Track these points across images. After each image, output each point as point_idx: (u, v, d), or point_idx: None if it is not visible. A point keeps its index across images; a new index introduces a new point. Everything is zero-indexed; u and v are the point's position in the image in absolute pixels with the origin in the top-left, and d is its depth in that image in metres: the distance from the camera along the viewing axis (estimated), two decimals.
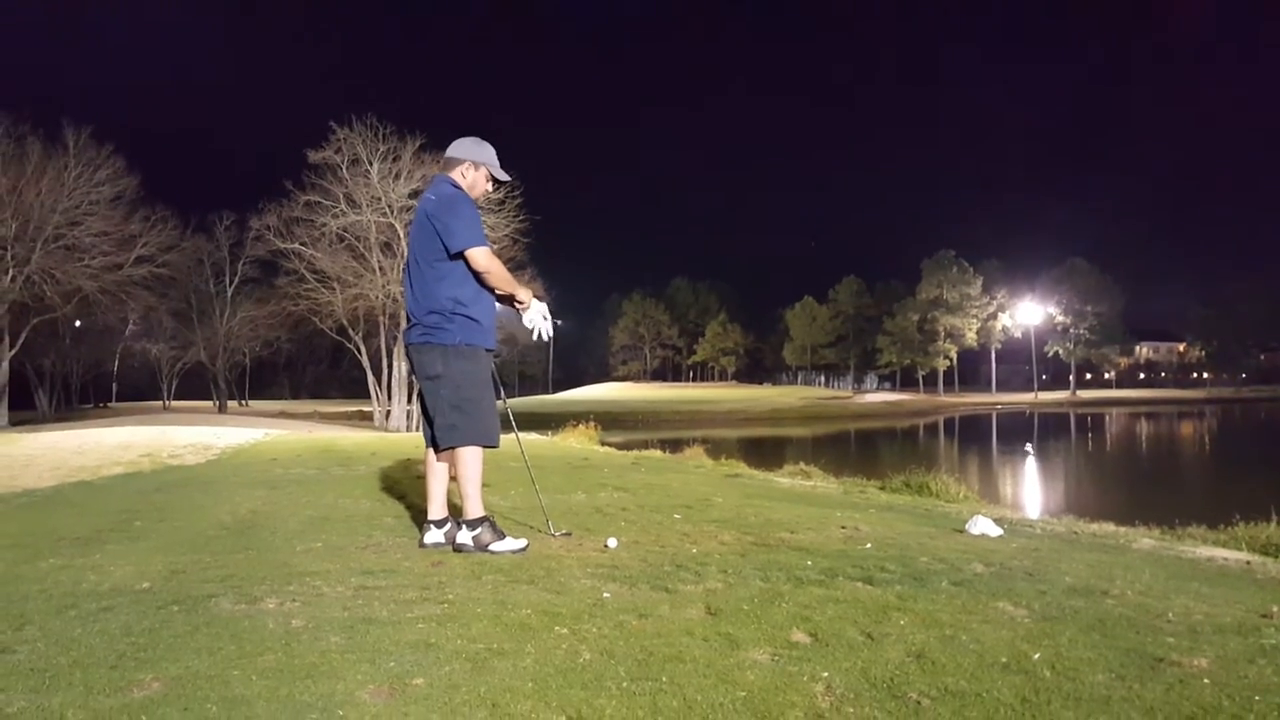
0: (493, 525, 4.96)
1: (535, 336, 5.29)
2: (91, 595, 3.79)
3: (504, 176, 5.33)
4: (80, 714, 2.42)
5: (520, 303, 5.21)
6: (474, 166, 5.20)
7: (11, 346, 40.67)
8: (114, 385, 79.50)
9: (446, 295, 4.94)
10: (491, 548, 4.83)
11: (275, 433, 20.89)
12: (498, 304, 5.24)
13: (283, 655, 2.94)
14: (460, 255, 4.94)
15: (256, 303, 60.48)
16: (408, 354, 5.27)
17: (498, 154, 5.30)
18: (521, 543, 4.92)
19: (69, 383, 69.21)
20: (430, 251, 4.98)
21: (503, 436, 5.19)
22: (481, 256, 4.96)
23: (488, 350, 5.12)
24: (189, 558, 4.71)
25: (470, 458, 4.96)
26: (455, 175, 5.15)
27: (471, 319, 4.98)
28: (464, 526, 4.91)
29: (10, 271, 38.01)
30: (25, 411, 53.03)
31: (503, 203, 34.95)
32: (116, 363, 72.47)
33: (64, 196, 39.50)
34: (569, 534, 5.42)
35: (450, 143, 5.29)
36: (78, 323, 55.07)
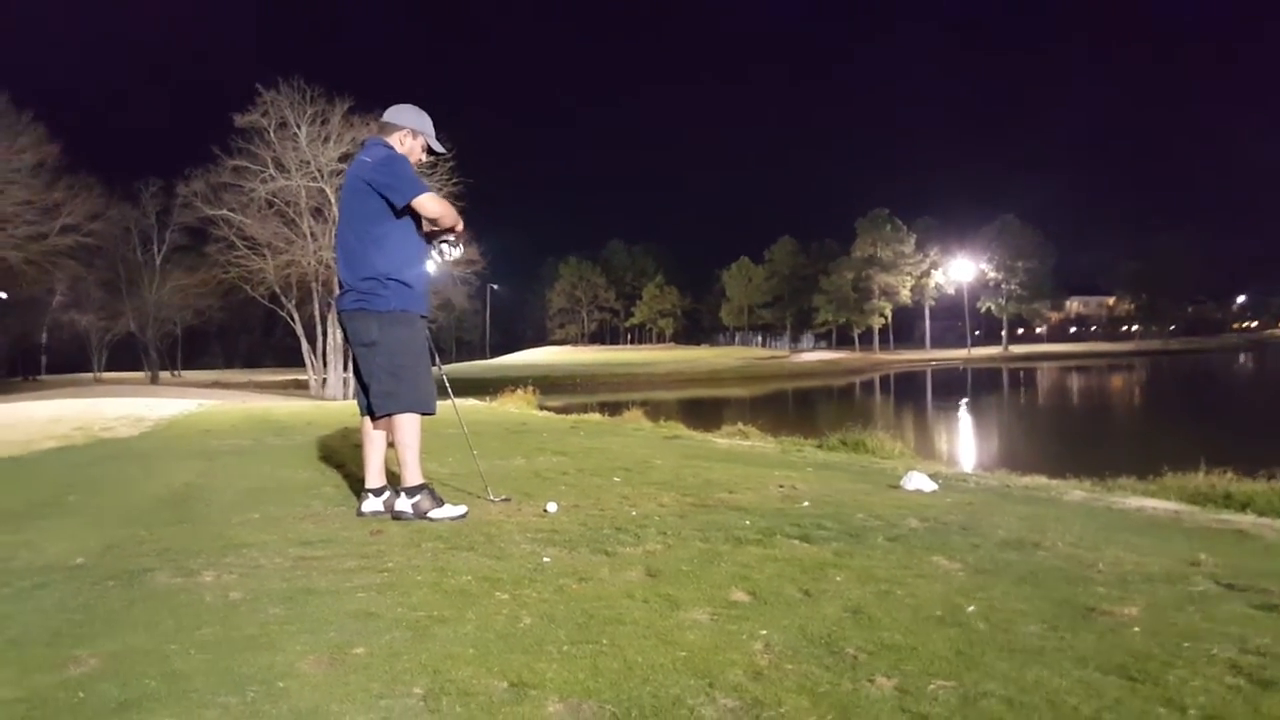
0: (431, 492, 4.96)
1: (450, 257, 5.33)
2: (25, 572, 3.73)
3: (440, 148, 5.31)
4: (16, 692, 2.40)
5: (459, 233, 5.22)
6: (412, 134, 5.17)
7: None
8: (43, 357, 77.83)
9: (381, 261, 4.91)
10: (430, 515, 4.83)
11: (209, 403, 20.61)
12: (446, 244, 5.24)
13: (221, 628, 2.92)
14: (407, 210, 4.92)
15: (186, 271, 59.47)
16: (341, 321, 5.23)
17: (434, 124, 5.28)
18: (461, 509, 4.92)
19: None
20: (364, 216, 4.95)
21: (439, 403, 5.18)
22: (430, 202, 4.98)
23: (423, 316, 5.10)
24: (124, 532, 4.65)
25: (408, 425, 4.95)
26: (393, 141, 5.12)
27: (406, 285, 4.95)
28: (403, 494, 4.91)
29: None
30: None
31: (434, 166, 34.53)
32: (45, 335, 70.97)
33: None
34: (508, 499, 5.43)
35: (384, 108, 5.25)
36: (3, 294, 53.81)
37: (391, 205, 4.90)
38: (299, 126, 35.71)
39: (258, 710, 2.28)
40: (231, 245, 38.40)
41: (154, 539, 4.43)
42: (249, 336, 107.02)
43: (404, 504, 4.89)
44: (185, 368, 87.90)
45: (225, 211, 37.56)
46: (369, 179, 4.91)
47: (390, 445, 5.10)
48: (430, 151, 5.28)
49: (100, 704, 2.32)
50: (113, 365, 74.99)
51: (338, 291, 5.42)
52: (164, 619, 3.02)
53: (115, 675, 2.51)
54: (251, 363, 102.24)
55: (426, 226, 5.15)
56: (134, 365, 71.88)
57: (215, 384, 53.86)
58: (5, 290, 51.49)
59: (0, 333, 63.53)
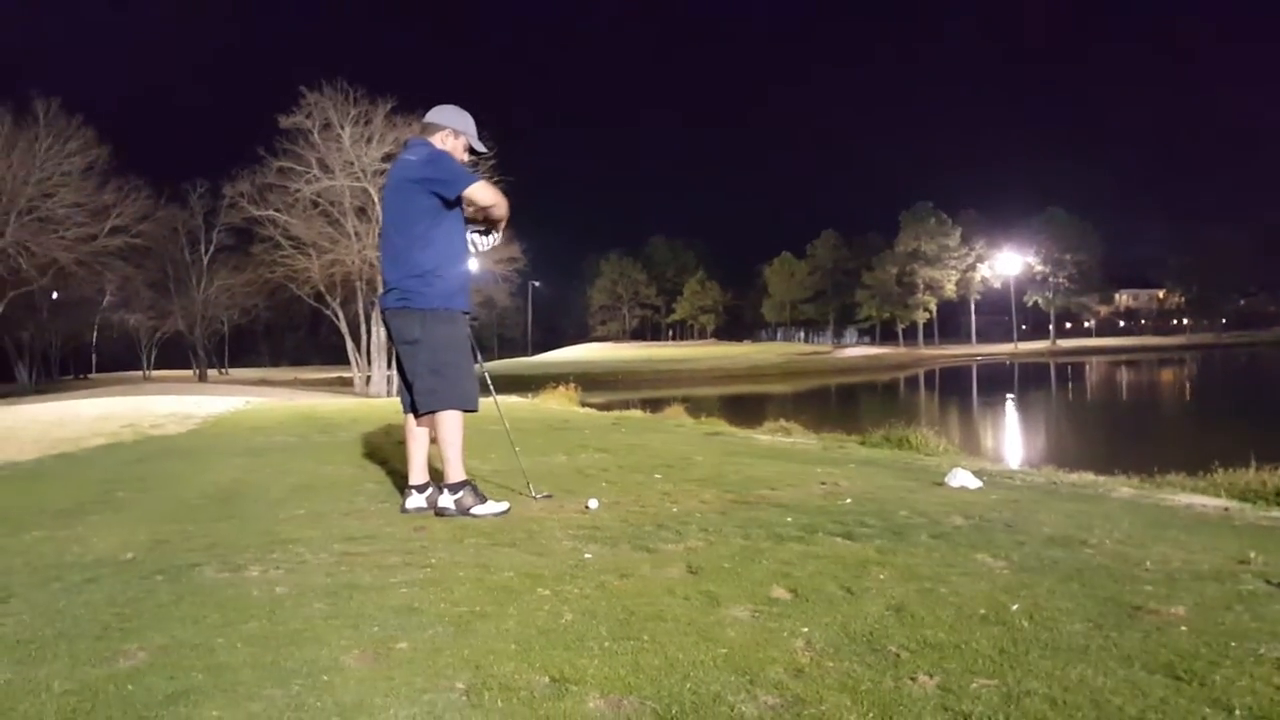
0: (474, 489, 4.99)
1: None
2: (75, 566, 3.80)
3: (482, 147, 5.32)
4: (67, 684, 2.44)
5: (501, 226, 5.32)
6: (454, 134, 5.18)
7: None
8: (93, 356, 79.22)
9: (425, 259, 4.95)
10: (473, 511, 4.85)
11: (256, 400, 20.82)
12: (478, 234, 5.28)
13: (267, 622, 2.95)
14: (457, 203, 4.99)
15: (233, 271, 60.40)
16: (384, 319, 5.28)
17: (478, 122, 5.31)
18: (503, 505, 4.95)
19: (48, 355, 68.99)
20: (409, 214, 4.99)
21: (481, 400, 5.21)
22: (483, 190, 5.04)
23: (465, 314, 5.14)
24: (172, 527, 4.72)
25: (451, 422, 4.98)
26: (435, 141, 5.14)
27: (449, 282, 5.00)
28: (446, 490, 4.94)
29: None
30: (5, 384, 52.87)
31: (476, 165, 34.70)
32: (95, 334, 72.24)
33: (36, 168, 39.38)
34: (550, 496, 5.44)
35: (427, 107, 5.30)
36: (55, 295, 54.81)
37: (443, 199, 4.94)
38: (343, 127, 36.07)
39: (302, 703, 2.31)
40: (277, 245, 38.91)
41: (201, 534, 4.49)
42: (295, 335, 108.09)
43: (447, 500, 4.92)
44: (232, 366, 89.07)
45: (271, 212, 38.01)
46: (418, 177, 4.96)
47: (433, 442, 5.14)
48: (472, 151, 5.31)
49: (148, 696, 2.35)
50: (161, 363, 76.09)
51: (381, 290, 5.46)
52: (211, 613, 3.06)
53: (163, 668, 2.55)
54: (297, 360, 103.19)
55: (471, 212, 5.18)
56: (182, 363, 72.97)
57: (262, 382, 54.39)
58: (57, 290, 52.37)
59: (52, 332, 64.66)
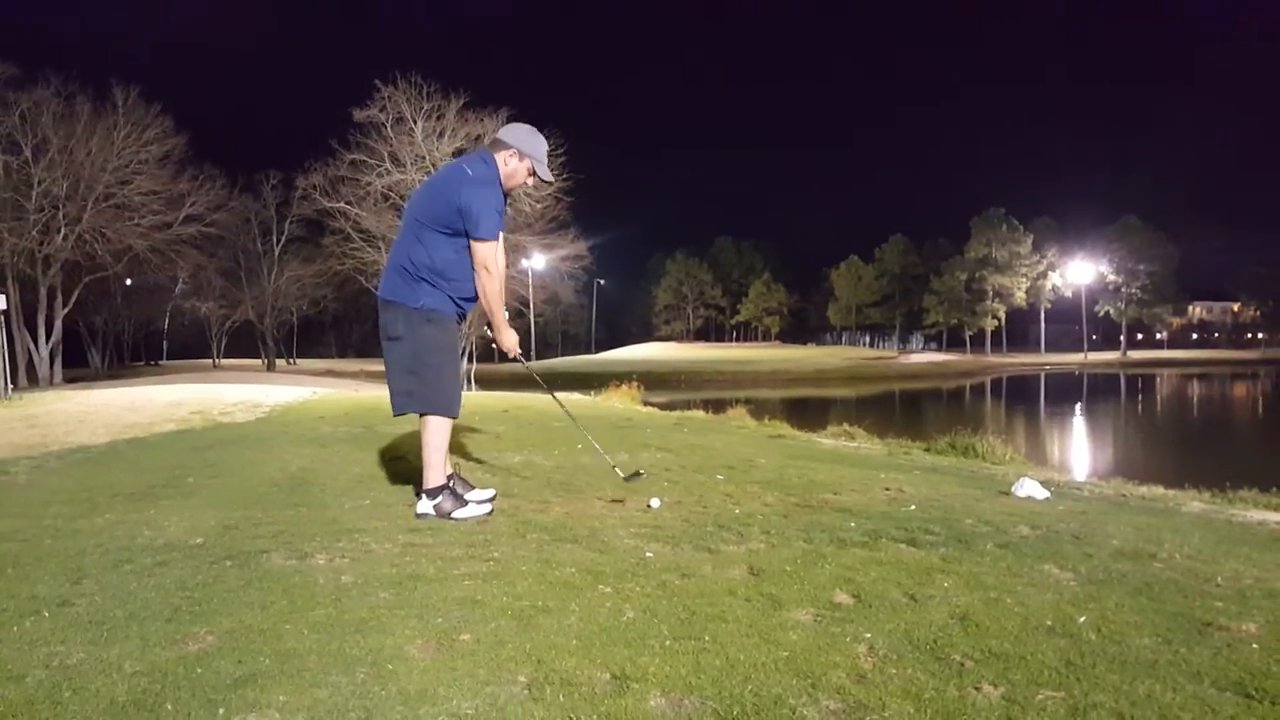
0: (452, 493, 4.87)
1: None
2: (146, 550, 3.87)
3: (548, 177, 5.08)
4: (137, 665, 2.49)
5: (493, 334, 5.13)
6: (519, 156, 4.95)
7: (64, 304, 41.44)
8: (164, 343, 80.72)
9: (427, 261, 4.79)
10: (454, 515, 4.73)
11: (323, 391, 21.05)
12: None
13: (333, 610, 2.99)
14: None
15: (303, 262, 61.35)
16: (377, 307, 5.06)
17: (551, 141, 5.11)
18: (485, 509, 4.85)
19: (121, 341, 70.54)
20: (434, 214, 4.81)
21: (542, 396, 5.15)
22: (490, 252, 4.82)
23: (459, 316, 4.99)
24: (241, 514, 4.79)
25: (435, 426, 4.86)
26: (499, 158, 4.94)
27: (443, 289, 4.83)
28: (424, 495, 4.83)
29: (62, 230, 38.74)
30: (79, 369, 54.01)
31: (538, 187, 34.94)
32: (167, 321, 73.64)
33: (113, 155, 40.08)
34: (640, 475, 5.47)
35: (500, 104, 5.18)
36: (128, 281, 56.00)
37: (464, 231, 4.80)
38: (415, 121, 36.37)
39: (367, 691, 2.34)
40: (347, 237, 39.31)
41: (269, 521, 4.56)
42: (362, 326, 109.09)
43: (425, 506, 4.79)
44: (300, 356, 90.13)
45: (342, 204, 38.43)
46: (457, 197, 4.77)
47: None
48: (536, 177, 5.07)
49: (216, 679, 2.40)
50: (230, 352, 77.31)
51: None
52: (278, 599, 3.11)
53: (231, 652, 2.60)
54: (364, 352, 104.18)
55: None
56: (251, 353, 74.09)
57: (328, 373, 55.03)
58: (130, 276, 53.49)
59: (125, 318, 66.09)
